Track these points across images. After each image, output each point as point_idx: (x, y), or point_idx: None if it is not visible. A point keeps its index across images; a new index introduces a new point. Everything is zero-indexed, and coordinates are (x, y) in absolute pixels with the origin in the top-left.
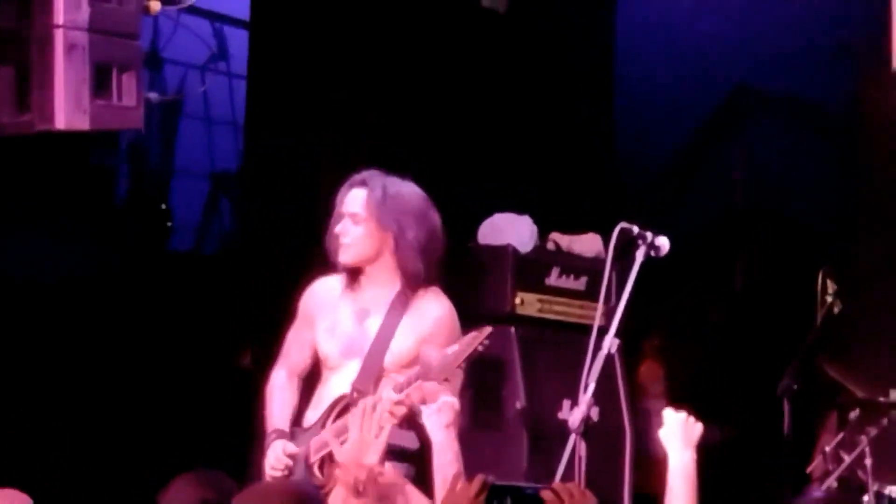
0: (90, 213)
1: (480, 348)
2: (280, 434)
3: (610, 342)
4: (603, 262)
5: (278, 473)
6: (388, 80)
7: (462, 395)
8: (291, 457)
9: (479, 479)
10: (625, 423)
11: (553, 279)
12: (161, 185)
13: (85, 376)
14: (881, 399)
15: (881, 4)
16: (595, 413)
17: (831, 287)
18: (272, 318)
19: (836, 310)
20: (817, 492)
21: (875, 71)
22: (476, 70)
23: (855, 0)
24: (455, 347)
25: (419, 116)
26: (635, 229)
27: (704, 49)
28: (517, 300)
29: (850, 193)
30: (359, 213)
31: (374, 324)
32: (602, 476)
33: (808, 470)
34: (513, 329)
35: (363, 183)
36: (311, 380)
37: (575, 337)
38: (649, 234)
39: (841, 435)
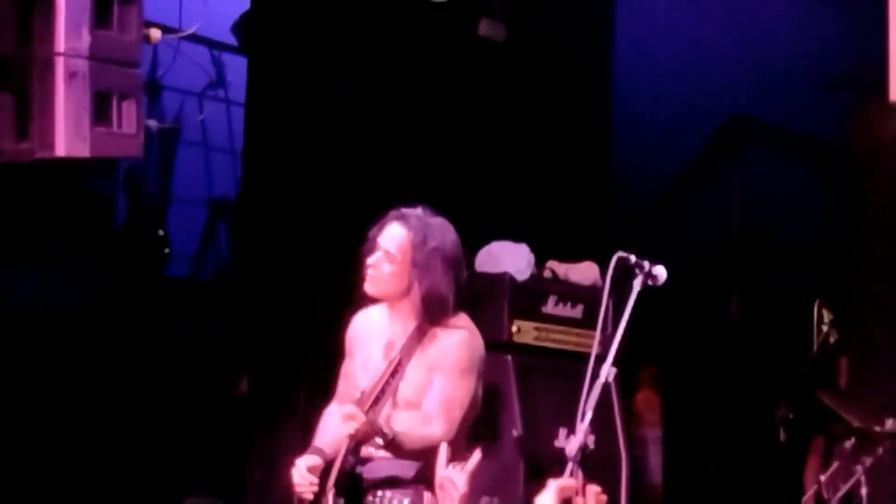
0: (88, 239)
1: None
2: (311, 450)
3: (607, 371)
4: (599, 290)
5: (304, 488)
6: (385, 109)
7: None
8: (313, 470)
9: (484, 502)
10: (621, 451)
11: (550, 307)
12: (158, 212)
13: (80, 402)
14: (877, 428)
15: (877, 36)
16: (592, 441)
17: (827, 316)
18: (268, 344)
19: (831, 339)
20: None
21: (871, 102)
22: (473, 98)
23: (851, 31)
24: None
25: (416, 145)
26: (632, 258)
27: (701, 79)
28: (514, 328)
29: (846, 223)
30: (394, 253)
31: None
32: None
33: (803, 501)
34: (510, 357)
35: (405, 221)
36: None
37: (571, 365)
38: (646, 263)
39: (836, 464)
